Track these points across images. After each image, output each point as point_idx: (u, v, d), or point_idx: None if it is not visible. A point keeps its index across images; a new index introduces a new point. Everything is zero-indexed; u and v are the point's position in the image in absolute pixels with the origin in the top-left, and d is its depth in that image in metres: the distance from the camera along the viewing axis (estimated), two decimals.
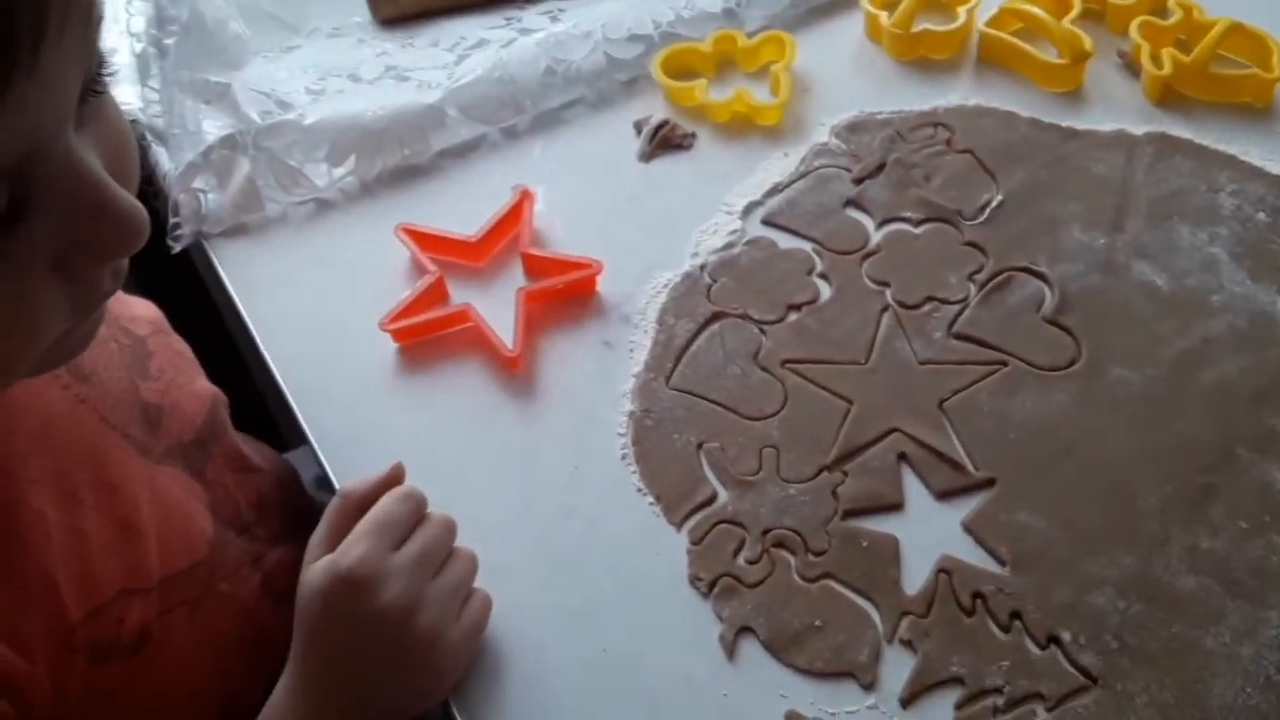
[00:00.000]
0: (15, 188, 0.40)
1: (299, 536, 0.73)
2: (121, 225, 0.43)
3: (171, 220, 0.80)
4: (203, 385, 0.71)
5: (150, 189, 0.86)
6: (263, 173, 0.82)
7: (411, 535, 0.60)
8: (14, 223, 0.41)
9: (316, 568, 0.58)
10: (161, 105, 0.84)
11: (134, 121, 0.87)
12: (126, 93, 0.88)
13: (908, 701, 0.60)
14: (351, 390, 0.74)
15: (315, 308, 0.78)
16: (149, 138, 0.86)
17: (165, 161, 0.83)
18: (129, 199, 0.43)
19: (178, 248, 0.81)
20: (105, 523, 0.58)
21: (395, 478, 0.63)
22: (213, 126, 0.83)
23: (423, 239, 0.79)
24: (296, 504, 0.79)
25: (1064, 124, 0.85)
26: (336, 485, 0.69)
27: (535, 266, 0.78)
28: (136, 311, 0.69)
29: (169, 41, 0.85)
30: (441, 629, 0.59)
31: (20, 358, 0.45)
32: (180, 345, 0.71)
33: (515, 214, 0.80)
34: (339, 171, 0.84)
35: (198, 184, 0.81)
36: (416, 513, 0.61)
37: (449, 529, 0.62)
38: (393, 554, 0.59)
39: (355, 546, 0.58)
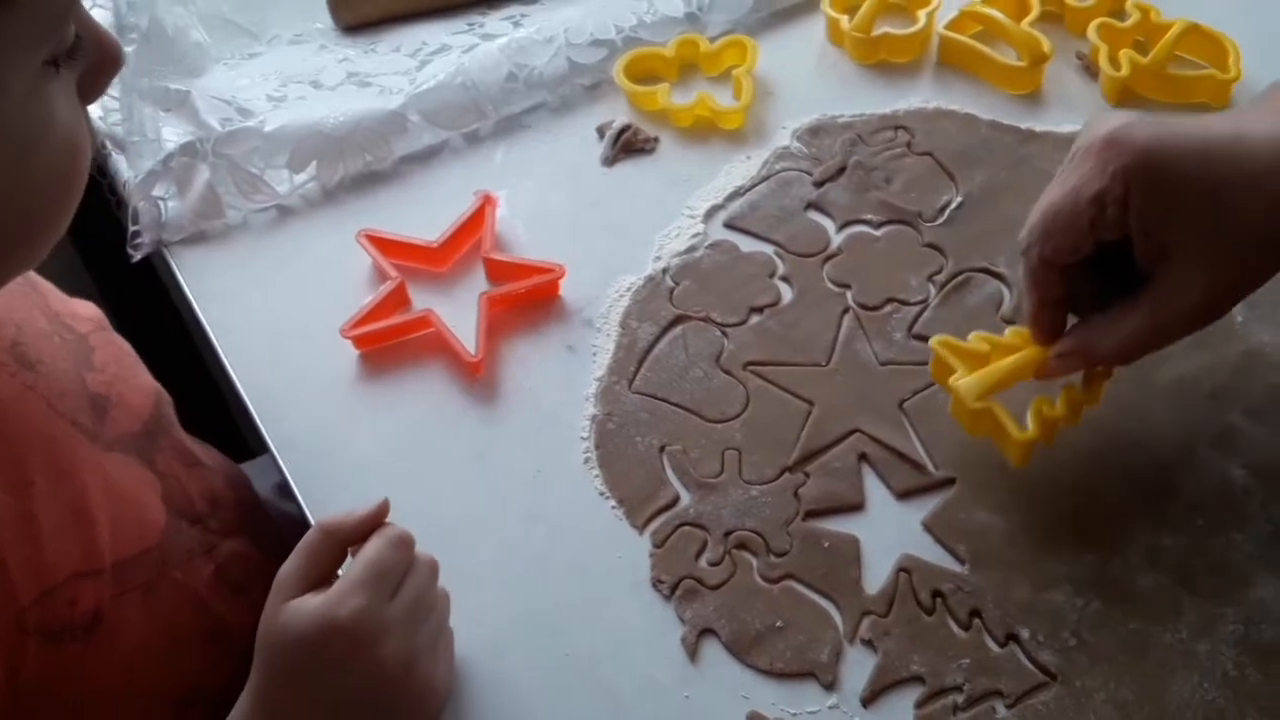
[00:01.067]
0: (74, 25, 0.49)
1: (252, 532, 0.74)
2: (112, 50, 0.53)
3: (131, 229, 0.80)
4: (147, 381, 0.71)
5: (111, 197, 0.86)
6: (223, 180, 0.81)
7: (404, 583, 0.58)
8: (74, 55, 0.50)
9: (305, 614, 0.55)
10: (121, 113, 0.84)
11: (93, 129, 0.87)
12: None
13: (869, 701, 0.60)
14: (313, 397, 0.73)
15: (276, 315, 0.78)
16: (108, 146, 0.86)
17: (125, 169, 0.83)
18: (107, 30, 0.53)
19: (138, 256, 0.80)
20: (55, 507, 0.58)
21: (380, 515, 0.60)
22: (172, 134, 0.83)
23: (384, 244, 0.78)
24: (248, 501, 0.79)
25: (1023, 126, 0.86)
26: (298, 493, 0.69)
27: (497, 271, 0.78)
28: (77, 310, 0.70)
29: (128, 49, 0.85)
30: (432, 677, 0.59)
31: (80, 184, 0.53)
32: (122, 343, 0.72)
33: (477, 219, 0.80)
34: (300, 178, 0.83)
35: (157, 192, 0.81)
36: (408, 559, 0.59)
37: (434, 571, 0.61)
38: (389, 605, 0.56)
39: (352, 597, 0.55)
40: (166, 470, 0.69)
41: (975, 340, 0.67)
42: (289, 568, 0.58)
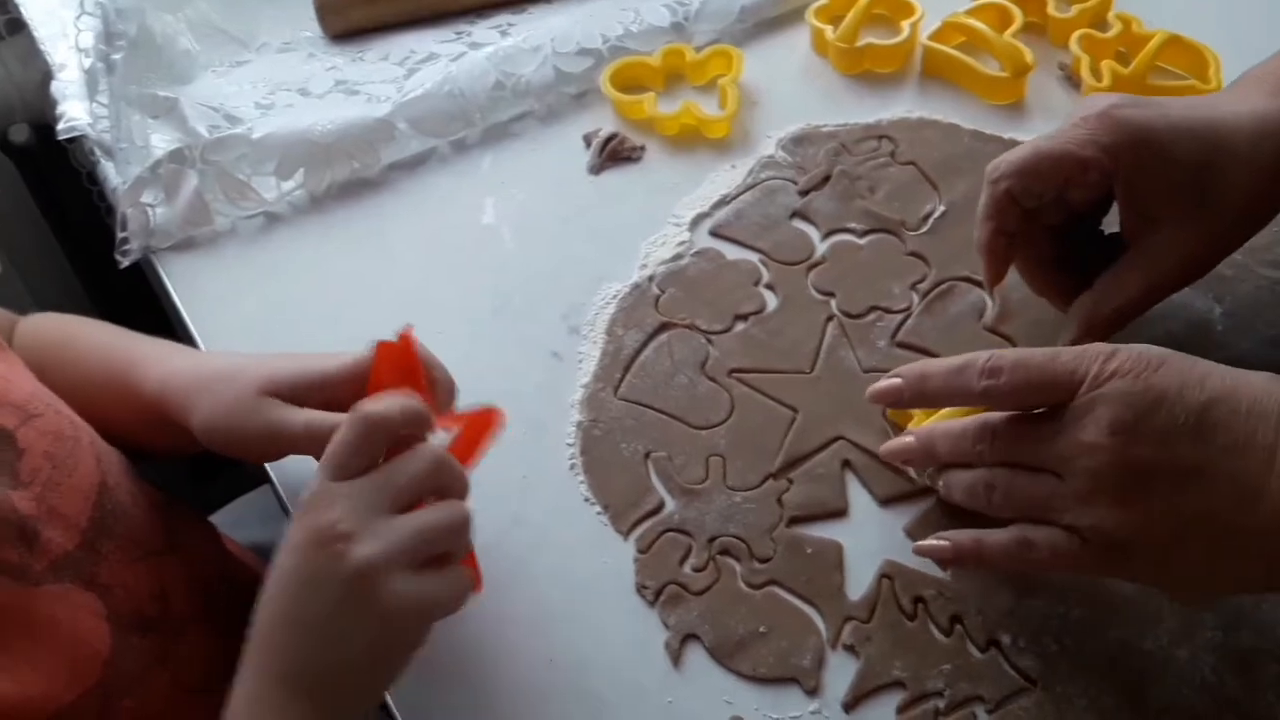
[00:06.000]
0: None
1: (209, 616, 0.69)
2: None
3: (119, 235, 0.80)
4: (85, 468, 0.63)
5: (100, 204, 0.87)
6: (211, 187, 0.82)
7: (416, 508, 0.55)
8: None
9: (295, 521, 0.54)
10: (109, 120, 0.84)
11: (82, 136, 0.87)
12: (75, 108, 0.88)
13: (850, 706, 0.61)
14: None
15: (264, 321, 0.78)
16: (97, 153, 0.86)
17: (113, 176, 0.83)
18: None
19: (126, 262, 0.81)
20: None
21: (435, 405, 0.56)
22: (161, 141, 0.83)
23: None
24: (205, 577, 0.72)
25: (1006, 136, 0.86)
26: (290, 508, 0.69)
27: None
28: (5, 395, 0.61)
29: (117, 57, 0.85)
30: (418, 627, 0.56)
31: None
32: (55, 422, 0.63)
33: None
34: (288, 185, 0.84)
35: (146, 198, 0.81)
36: (431, 480, 0.56)
37: (459, 516, 0.57)
38: (381, 518, 0.53)
39: (337, 505, 0.53)
40: (111, 580, 0.62)
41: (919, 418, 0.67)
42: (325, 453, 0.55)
